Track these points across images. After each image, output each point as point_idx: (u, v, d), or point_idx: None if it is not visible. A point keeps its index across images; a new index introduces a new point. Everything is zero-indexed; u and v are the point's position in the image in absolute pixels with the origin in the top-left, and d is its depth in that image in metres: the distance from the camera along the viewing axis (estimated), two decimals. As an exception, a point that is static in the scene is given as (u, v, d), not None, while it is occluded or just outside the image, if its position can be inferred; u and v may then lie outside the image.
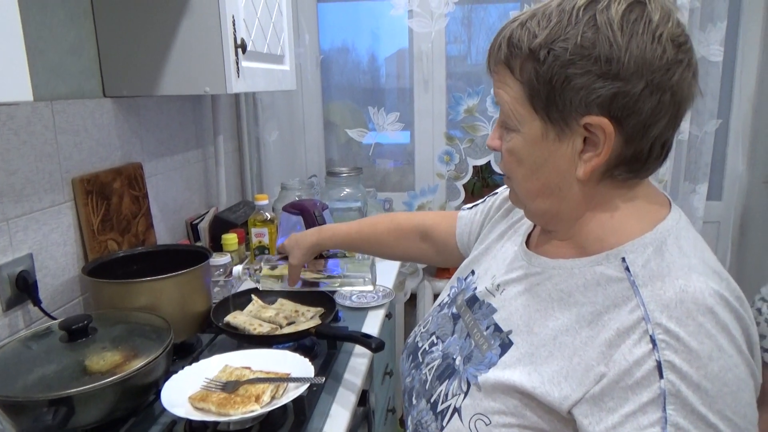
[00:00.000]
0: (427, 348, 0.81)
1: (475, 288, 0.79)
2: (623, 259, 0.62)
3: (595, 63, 0.58)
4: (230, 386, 0.91)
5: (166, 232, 1.57)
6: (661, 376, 0.55)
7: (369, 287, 1.10)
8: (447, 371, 0.73)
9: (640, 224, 0.64)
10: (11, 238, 1.04)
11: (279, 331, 1.14)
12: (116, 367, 0.90)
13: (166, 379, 0.93)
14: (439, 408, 0.70)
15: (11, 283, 1.03)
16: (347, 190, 1.71)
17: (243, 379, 0.93)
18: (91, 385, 0.83)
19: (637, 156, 0.62)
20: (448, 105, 2.09)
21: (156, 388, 0.93)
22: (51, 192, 1.14)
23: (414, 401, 0.77)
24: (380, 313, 1.38)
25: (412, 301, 2.19)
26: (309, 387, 0.92)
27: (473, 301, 0.78)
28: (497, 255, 0.81)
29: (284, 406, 0.93)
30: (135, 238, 1.36)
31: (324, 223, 1.39)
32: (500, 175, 2.19)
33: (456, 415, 0.68)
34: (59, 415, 0.78)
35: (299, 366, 0.98)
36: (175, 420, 0.88)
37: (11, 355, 0.92)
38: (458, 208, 2.18)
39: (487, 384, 0.66)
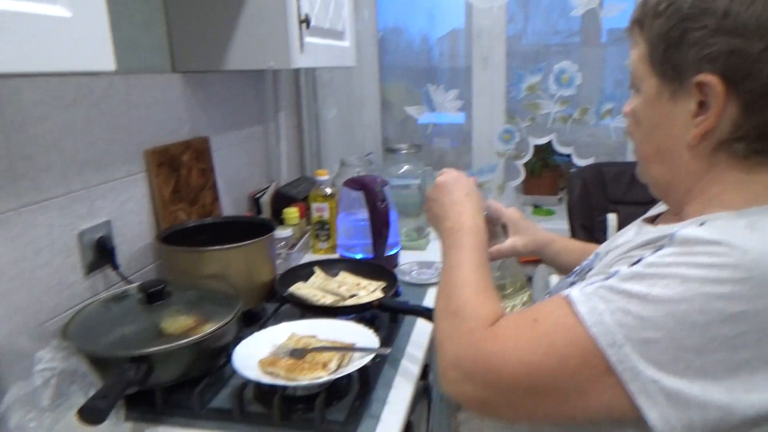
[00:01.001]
0: None
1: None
2: (702, 223, 0.58)
3: (712, 17, 0.57)
4: (298, 353, 0.93)
5: (230, 205, 1.61)
6: (638, 261, 0.57)
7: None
8: None
9: (751, 204, 0.59)
10: (91, 205, 1.09)
11: (342, 303, 1.15)
12: (189, 330, 0.93)
13: (236, 345, 0.96)
14: None
15: (92, 247, 1.08)
16: (406, 166, 1.70)
17: (310, 346, 0.95)
18: (168, 345, 0.86)
19: (762, 130, 0.59)
20: (509, 83, 2.04)
21: (227, 352, 0.96)
22: (126, 162, 1.18)
23: None
24: (440, 290, 1.38)
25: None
26: (373, 358, 0.93)
27: (581, 270, 0.79)
28: (626, 230, 0.81)
29: (349, 375, 0.95)
30: (202, 209, 1.40)
31: (385, 199, 1.40)
32: (561, 155, 2.14)
33: None
34: (141, 372, 0.81)
35: (364, 337, 0.99)
36: (246, 383, 0.90)
37: (93, 315, 0.97)
38: (518, 188, 2.15)
39: None
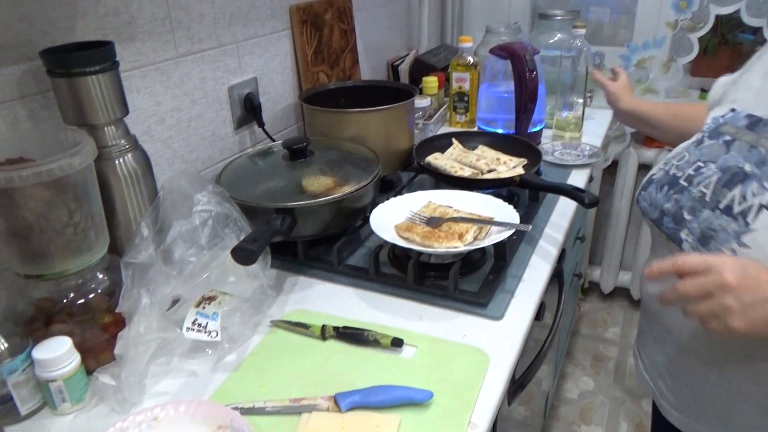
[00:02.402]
0: (692, 173, 0.80)
1: (749, 114, 0.78)
2: None
3: None
4: (434, 221, 0.92)
5: (368, 70, 1.57)
6: None
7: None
8: (736, 178, 0.74)
9: None
10: (240, 60, 1.10)
11: (480, 177, 1.10)
12: (328, 190, 0.94)
13: (373, 208, 0.96)
14: (737, 209, 0.72)
15: (240, 103, 1.11)
16: (559, 35, 1.53)
17: (447, 216, 0.93)
18: (311, 201, 0.89)
19: None
20: (695, -65, 1.70)
21: (364, 214, 0.97)
22: (271, 18, 1.17)
23: (687, 216, 0.78)
24: (584, 173, 1.28)
25: (612, 168, 2.02)
26: (511, 234, 0.89)
27: (755, 123, 0.77)
28: (752, 78, 0.81)
29: (483, 249, 0.93)
30: (342, 72, 1.38)
31: (535, 69, 1.27)
32: (745, 31, 1.81)
33: (764, 210, 0.70)
34: (286, 223, 0.85)
35: (503, 211, 0.94)
36: (382, 244, 0.91)
37: (242, 168, 1.02)
38: (685, 67, 1.87)
39: None
